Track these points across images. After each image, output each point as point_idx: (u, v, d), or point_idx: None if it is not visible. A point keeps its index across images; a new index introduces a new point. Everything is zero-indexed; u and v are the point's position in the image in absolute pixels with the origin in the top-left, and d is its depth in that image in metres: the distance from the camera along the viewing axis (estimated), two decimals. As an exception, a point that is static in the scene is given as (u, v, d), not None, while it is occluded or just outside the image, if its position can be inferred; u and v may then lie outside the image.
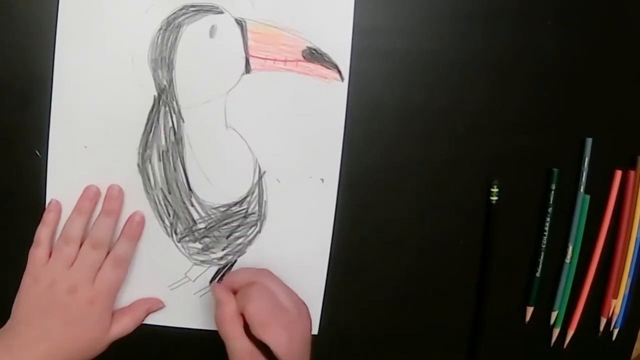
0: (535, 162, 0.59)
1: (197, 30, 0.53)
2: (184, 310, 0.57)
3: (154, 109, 0.54)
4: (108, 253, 0.53)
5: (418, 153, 0.58)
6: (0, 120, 0.54)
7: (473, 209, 0.59)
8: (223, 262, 0.57)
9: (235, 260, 0.57)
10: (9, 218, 0.55)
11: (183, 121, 0.54)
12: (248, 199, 0.56)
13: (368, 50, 0.55)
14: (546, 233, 0.59)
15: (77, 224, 0.53)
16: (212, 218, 0.56)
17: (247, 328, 0.49)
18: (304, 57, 0.54)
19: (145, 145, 0.54)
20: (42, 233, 0.53)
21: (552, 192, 0.58)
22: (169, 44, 0.53)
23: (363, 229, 0.58)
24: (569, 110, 0.59)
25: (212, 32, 0.53)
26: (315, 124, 0.55)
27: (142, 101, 0.54)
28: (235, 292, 0.51)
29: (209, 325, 0.57)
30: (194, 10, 0.53)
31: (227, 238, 0.56)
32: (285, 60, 0.54)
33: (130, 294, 0.56)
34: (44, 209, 0.54)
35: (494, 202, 0.58)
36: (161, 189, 0.55)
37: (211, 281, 0.57)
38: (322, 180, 0.56)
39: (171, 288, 0.57)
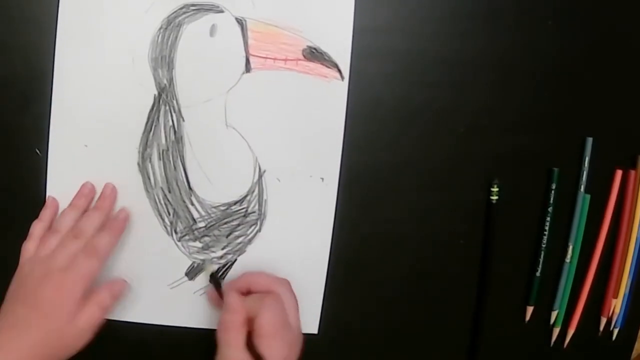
0: (535, 162, 0.59)
1: (198, 29, 0.53)
2: (184, 309, 0.57)
3: (154, 108, 0.54)
4: None
5: (418, 152, 0.58)
6: (0, 120, 0.54)
7: (473, 208, 0.59)
8: (223, 261, 0.57)
9: (235, 259, 0.57)
10: (9, 217, 0.55)
11: (183, 120, 0.54)
12: (248, 197, 0.56)
13: (368, 49, 0.55)
14: (546, 233, 0.59)
15: (68, 218, 0.53)
16: (212, 217, 0.56)
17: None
18: (304, 56, 0.54)
19: (145, 144, 0.54)
20: (36, 228, 0.53)
21: (552, 191, 0.58)
22: (169, 43, 0.53)
23: (363, 228, 0.58)
24: (569, 110, 0.59)
25: (212, 31, 0.53)
26: (315, 123, 0.55)
27: (142, 100, 0.54)
28: (244, 293, 0.51)
29: (209, 324, 0.56)
30: (194, 9, 0.53)
31: (227, 237, 0.56)
32: (285, 60, 0.54)
33: (130, 294, 0.56)
34: (44, 207, 0.54)
35: (494, 202, 0.58)
36: (161, 187, 0.55)
37: (211, 280, 0.56)
38: (322, 179, 0.56)
39: (171, 287, 0.56)
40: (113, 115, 0.54)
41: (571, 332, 0.61)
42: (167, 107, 0.54)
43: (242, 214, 0.56)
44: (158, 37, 0.53)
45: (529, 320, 0.60)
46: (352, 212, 0.57)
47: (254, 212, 0.56)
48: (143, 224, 0.55)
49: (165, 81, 0.54)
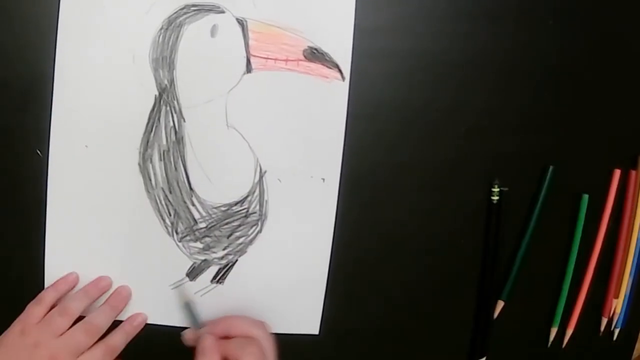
0: (535, 162, 0.59)
1: (198, 29, 0.53)
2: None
3: (155, 109, 0.54)
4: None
5: (419, 153, 0.58)
6: (1, 120, 0.54)
7: (474, 209, 0.59)
8: (224, 261, 0.57)
9: (237, 260, 0.57)
10: (10, 218, 0.55)
11: (184, 120, 0.54)
12: (249, 198, 0.56)
13: (369, 50, 0.55)
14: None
15: (78, 304, 0.53)
16: (213, 217, 0.56)
17: None
18: (305, 56, 0.54)
19: (146, 145, 0.54)
20: (48, 295, 0.53)
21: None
22: (170, 44, 0.53)
23: (364, 229, 0.58)
24: (569, 110, 0.59)
25: (213, 31, 0.53)
26: (316, 124, 0.55)
27: (143, 101, 0.54)
28: (223, 337, 0.51)
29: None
30: (195, 10, 0.53)
31: (228, 237, 0.56)
32: (286, 60, 0.54)
33: (131, 294, 0.56)
34: (45, 209, 0.54)
35: (494, 202, 0.58)
36: (162, 188, 0.55)
37: (213, 280, 0.57)
38: (323, 179, 0.56)
39: (172, 287, 0.56)
40: (114, 115, 0.54)
41: (570, 332, 0.61)
42: (168, 108, 0.54)
43: (243, 215, 0.56)
44: (159, 37, 0.53)
45: (529, 320, 0.60)
46: (353, 212, 0.57)
47: (255, 212, 0.56)
48: (144, 224, 0.55)
49: (166, 82, 0.54)
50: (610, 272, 0.61)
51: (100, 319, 0.53)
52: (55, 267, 0.55)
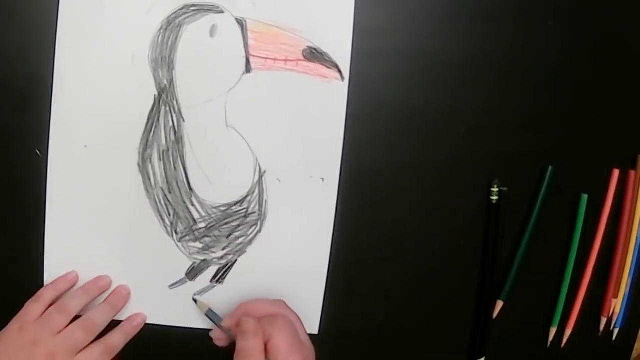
0: (535, 162, 0.59)
1: (198, 29, 0.53)
2: (184, 310, 0.57)
3: (155, 109, 0.54)
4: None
5: (418, 153, 0.58)
6: (0, 120, 0.54)
7: (473, 208, 0.59)
8: (223, 261, 0.57)
9: (236, 260, 0.57)
10: (9, 218, 0.55)
11: (183, 120, 0.54)
12: (248, 198, 0.56)
13: (368, 50, 0.55)
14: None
15: (76, 301, 0.53)
16: (212, 217, 0.56)
17: None
18: (304, 56, 0.54)
19: (145, 145, 0.54)
20: (47, 293, 0.53)
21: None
22: (169, 44, 0.53)
23: (363, 229, 0.58)
24: (569, 110, 0.59)
25: (212, 31, 0.53)
26: (315, 124, 0.55)
27: (142, 101, 0.54)
28: None
29: (210, 325, 0.56)
30: (194, 10, 0.53)
31: (227, 237, 0.56)
32: (285, 60, 0.54)
33: (131, 294, 0.56)
34: (45, 209, 0.54)
35: (494, 202, 0.58)
36: (161, 188, 0.55)
37: (212, 280, 0.57)
38: (323, 179, 0.56)
39: (171, 288, 0.57)
40: (113, 115, 0.54)
41: (569, 332, 0.61)
42: (168, 108, 0.54)
43: (243, 215, 0.56)
44: (158, 37, 0.53)
45: (528, 320, 0.60)
46: (352, 212, 0.57)
47: (254, 212, 0.56)
48: (143, 224, 0.55)
49: (165, 82, 0.54)
50: (609, 272, 0.60)
51: (98, 317, 0.53)
52: (54, 266, 0.55)
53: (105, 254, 0.56)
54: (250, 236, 0.57)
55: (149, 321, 0.57)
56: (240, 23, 0.53)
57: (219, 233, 0.56)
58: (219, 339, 0.54)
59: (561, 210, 0.59)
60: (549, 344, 0.61)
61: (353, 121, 0.56)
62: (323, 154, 0.56)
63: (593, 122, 0.59)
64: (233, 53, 0.54)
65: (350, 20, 0.54)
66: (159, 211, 0.55)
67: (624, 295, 0.60)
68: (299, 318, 0.53)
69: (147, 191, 0.55)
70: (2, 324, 0.51)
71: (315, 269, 0.57)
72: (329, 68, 0.55)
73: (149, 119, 0.54)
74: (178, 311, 0.57)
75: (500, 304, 0.60)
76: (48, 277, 0.55)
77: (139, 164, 0.55)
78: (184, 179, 0.55)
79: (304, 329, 0.52)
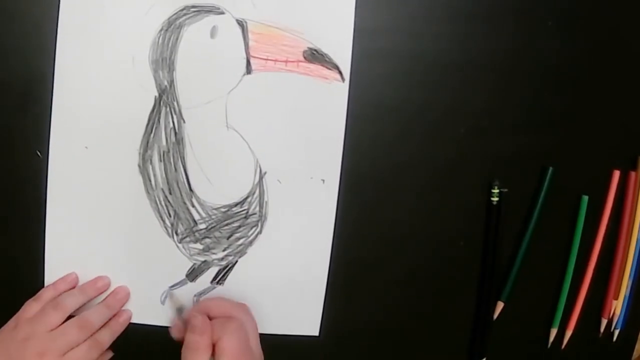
0: (535, 162, 0.59)
1: (198, 30, 0.53)
2: (184, 310, 0.57)
3: (155, 110, 0.54)
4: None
5: (418, 153, 0.58)
6: (1, 121, 0.54)
7: (473, 209, 0.59)
8: (224, 262, 0.57)
9: (236, 261, 0.57)
10: (10, 219, 0.55)
11: (184, 122, 0.54)
12: (249, 199, 0.56)
13: (369, 51, 0.55)
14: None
15: (73, 300, 0.53)
16: (212, 219, 0.56)
17: None
18: (305, 57, 0.54)
19: (146, 146, 0.54)
20: (46, 293, 0.53)
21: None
22: (169, 45, 0.53)
23: (364, 230, 0.58)
24: (569, 111, 0.59)
25: (213, 32, 0.53)
26: (316, 125, 0.55)
27: (143, 102, 0.54)
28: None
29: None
30: (195, 11, 0.53)
31: (227, 239, 0.56)
32: (286, 61, 0.54)
33: (130, 295, 0.56)
34: (45, 210, 0.54)
35: (494, 203, 0.58)
36: (162, 189, 0.55)
37: (213, 281, 0.57)
38: (323, 181, 0.56)
39: (172, 289, 0.56)
40: (113, 116, 0.54)
41: (569, 333, 0.61)
42: (168, 109, 0.54)
43: (243, 216, 0.56)
44: (158, 38, 0.53)
45: (528, 321, 0.60)
46: (353, 213, 0.57)
47: (254, 213, 0.56)
48: (144, 225, 0.55)
49: (165, 83, 0.54)
50: (609, 273, 0.60)
51: (94, 317, 0.53)
52: (55, 267, 0.55)
53: (105, 255, 0.56)
54: (251, 237, 0.57)
55: (148, 322, 0.57)
56: (241, 24, 0.53)
57: (220, 234, 0.56)
58: (177, 330, 0.54)
59: (561, 211, 0.59)
60: (549, 345, 0.61)
61: (353, 122, 0.56)
62: (323, 154, 0.56)
63: (593, 123, 0.59)
64: (233, 54, 0.54)
65: (350, 21, 0.54)
66: (159, 212, 0.55)
67: (625, 296, 0.60)
68: (255, 325, 0.52)
69: (148, 192, 0.55)
70: (2, 325, 0.51)
71: (315, 270, 0.57)
72: (330, 69, 0.55)
73: (149, 120, 0.54)
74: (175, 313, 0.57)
75: (500, 305, 0.60)
76: (48, 279, 0.55)
77: (139, 165, 0.55)
78: (185, 180, 0.55)
79: (258, 336, 0.52)
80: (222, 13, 0.53)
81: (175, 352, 0.58)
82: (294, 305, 0.58)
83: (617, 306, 0.60)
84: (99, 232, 0.55)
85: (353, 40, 0.54)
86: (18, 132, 0.54)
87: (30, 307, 0.52)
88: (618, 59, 0.59)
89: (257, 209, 0.56)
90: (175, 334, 0.54)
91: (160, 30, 0.53)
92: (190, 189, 0.55)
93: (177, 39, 0.53)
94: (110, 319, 0.55)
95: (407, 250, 0.59)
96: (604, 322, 0.61)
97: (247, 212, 0.56)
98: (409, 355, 0.61)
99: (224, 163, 0.55)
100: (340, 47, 0.54)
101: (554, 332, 0.61)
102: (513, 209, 0.59)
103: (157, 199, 0.55)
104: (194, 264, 0.57)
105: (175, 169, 0.55)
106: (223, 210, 0.56)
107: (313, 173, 0.56)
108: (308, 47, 0.54)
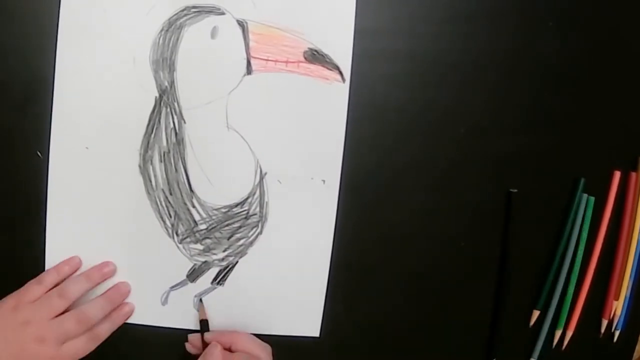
0: (536, 163, 0.59)
1: (199, 31, 0.53)
2: (185, 311, 0.57)
3: (155, 110, 0.54)
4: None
5: (419, 154, 0.58)
6: (1, 121, 0.54)
7: (474, 209, 0.59)
8: (224, 263, 0.57)
9: (237, 262, 0.57)
10: (10, 219, 0.55)
11: (184, 122, 0.54)
12: (249, 200, 0.56)
13: (369, 51, 0.55)
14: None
15: (78, 287, 0.53)
16: (213, 219, 0.56)
17: None
18: (305, 58, 0.54)
19: (146, 146, 0.54)
20: (49, 277, 0.53)
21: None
22: (170, 45, 0.53)
23: (364, 230, 0.58)
24: (569, 111, 0.59)
25: (213, 33, 0.53)
26: (316, 125, 0.55)
27: (143, 102, 0.54)
28: (226, 349, 0.52)
29: (211, 327, 0.56)
30: (195, 12, 0.53)
31: (228, 239, 0.56)
32: (286, 62, 0.54)
33: (131, 296, 0.56)
34: (46, 210, 0.54)
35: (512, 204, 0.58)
36: (162, 190, 0.55)
37: (213, 281, 0.57)
38: (324, 181, 0.56)
39: (172, 289, 0.56)
40: (114, 117, 0.54)
41: (570, 333, 0.61)
42: (168, 109, 0.54)
43: (244, 216, 0.56)
44: (159, 39, 0.53)
45: (533, 322, 0.60)
46: (353, 214, 0.57)
47: (255, 214, 0.56)
48: (144, 226, 0.55)
49: (166, 83, 0.54)
50: (610, 274, 0.60)
51: (94, 311, 0.53)
52: (55, 268, 0.55)
53: (106, 256, 0.55)
54: (251, 238, 0.56)
55: (149, 323, 0.56)
56: (242, 25, 0.53)
57: (220, 235, 0.56)
58: (194, 346, 0.55)
59: (564, 212, 0.59)
60: (553, 345, 0.61)
61: (354, 123, 0.56)
62: (324, 155, 0.56)
63: (593, 123, 0.59)
64: (234, 55, 0.54)
65: (351, 21, 0.54)
66: (159, 213, 0.55)
67: (625, 297, 0.60)
68: None
69: (148, 193, 0.55)
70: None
71: (316, 271, 0.57)
72: (330, 70, 0.55)
73: (149, 121, 0.54)
74: (179, 313, 0.57)
75: (536, 313, 0.60)
76: (49, 279, 0.55)
77: (139, 166, 0.55)
78: (185, 180, 0.55)
79: None
80: (223, 13, 0.53)
81: (175, 352, 0.58)
82: (294, 305, 0.58)
83: (617, 307, 0.60)
84: (99, 233, 0.55)
85: (353, 40, 0.54)
86: (18, 132, 0.54)
87: (33, 289, 0.52)
88: (618, 59, 0.59)
89: (258, 209, 0.56)
90: (190, 349, 0.55)
91: (161, 30, 0.53)
92: (191, 190, 0.55)
93: (177, 39, 0.53)
94: (112, 312, 0.55)
95: (408, 251, 0.59)
96: (605, 322, 0.61)
97: (248, 213, 0.56)
98: (409, 356, 0.61)
99: (224, 163, 0.55)
100: (341, 47, 0.54)
101: (558, 333, 0.61)
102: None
103: (157, 200, 0.55)
104: (195, 264, 0.56)
105: (176, 170, 0.55)
106: (223, 210, 0.56)
107: (314, 174, 0.56)
108: (308, 48, 0.54)
